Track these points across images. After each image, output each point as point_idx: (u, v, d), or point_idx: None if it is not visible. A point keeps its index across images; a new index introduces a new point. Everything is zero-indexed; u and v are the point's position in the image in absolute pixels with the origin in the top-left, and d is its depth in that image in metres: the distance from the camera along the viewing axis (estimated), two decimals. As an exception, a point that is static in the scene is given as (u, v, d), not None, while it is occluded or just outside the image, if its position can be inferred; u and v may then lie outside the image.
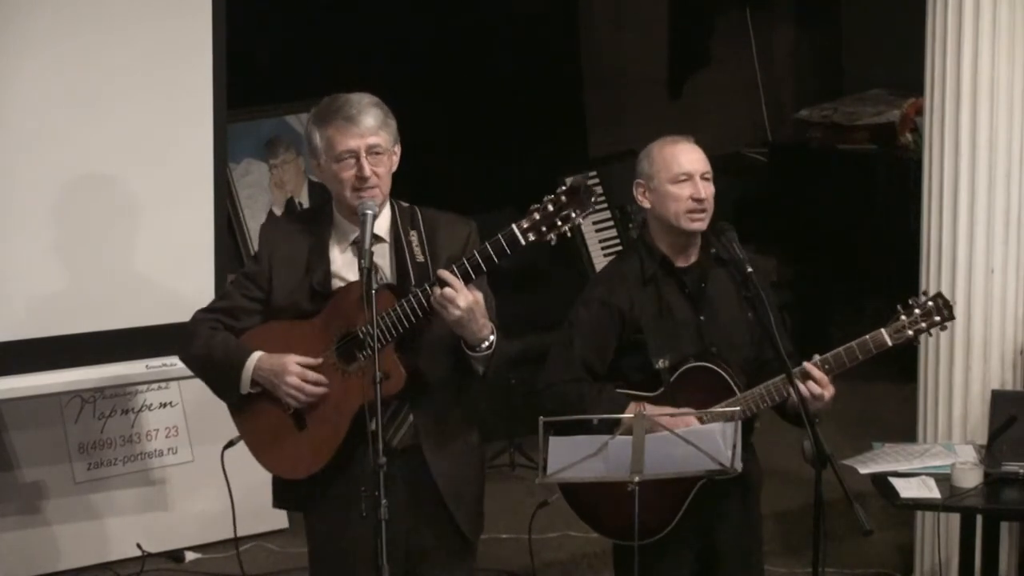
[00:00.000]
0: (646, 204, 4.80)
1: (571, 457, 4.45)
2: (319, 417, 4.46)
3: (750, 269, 4.67)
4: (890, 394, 7.48)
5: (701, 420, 4.57)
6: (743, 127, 9.19)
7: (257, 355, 4.47)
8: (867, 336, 4.69)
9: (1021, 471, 5.38)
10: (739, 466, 4.54)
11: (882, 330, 4.70)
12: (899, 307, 4.72)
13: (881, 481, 5.40)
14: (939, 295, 4.77)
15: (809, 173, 8.65)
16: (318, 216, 4.59)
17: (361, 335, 4.38)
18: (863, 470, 5.44)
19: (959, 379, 5.98)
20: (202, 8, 5.72)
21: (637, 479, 4.47)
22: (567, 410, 4.63)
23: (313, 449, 4.46)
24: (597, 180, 7.93)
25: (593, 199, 4.29)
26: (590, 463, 4.46)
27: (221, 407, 4.66)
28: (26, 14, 5.47)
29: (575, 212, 4.24)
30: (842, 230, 8.37)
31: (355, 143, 4.40)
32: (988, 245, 5.92)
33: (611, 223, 7.87)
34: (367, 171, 4.39)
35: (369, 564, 4.22)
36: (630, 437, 4.44)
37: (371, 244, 4.31)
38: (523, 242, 4.27)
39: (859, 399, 7.45)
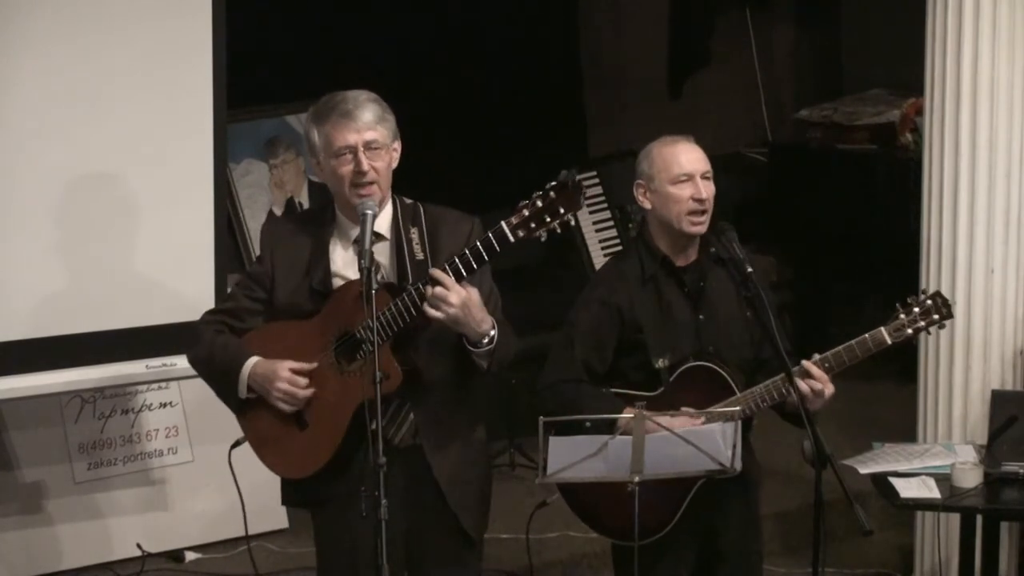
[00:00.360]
0: (647, 205, 4.80)
1: (571, 457, 4.45)
2: (319, 417, 4.46)
3: (750, 269, 4.67)
4: (890, 394, 7.47)
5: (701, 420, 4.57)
6: (743, 127, 9.19)
7: (252, 361, 4.48)
8: (866, 335, 4.69)
9: (1021, 471, 5.38)
10: (739, 466, 4.54)
11: (881, 329, 4.70)
12: (898, 306, 4.73)
13: (881, 481, 5.40)
14: (938, 294, 4.77)
15: (809, 173, 8.64)
16: (320, 215, 4.59)
17: (358, 335, 4.39)
18: (863, 470, 5.44)
19: (959, 379, 5.98)
20: (202, 8, 5.72)
21: (637, 479, 4.47)
22: (565, 410, 4.64)
23: (314, 449, 4.46)
24: (597, 180, 7.93)
25: (583, 196, 4.29)
26: (590, 463, 4.46)
27: (221, 407, 4.67)
28: (26, 14, 5.47)
29: (564, 209, 4.23)
30: (842, 230, 8.36)
31: (352, 138, 4.40)
32: (988, 245, 5.92)
33: (611, 223, 7.87)
34: (365, 166, 4.39)
35: (370, 563, 4.23)
36: (630, 437, 4.44)
37: (372, 243, 4.31)
38: (512, 239, 4.26)
39: (859, 399, 7.45)
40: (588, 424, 4.61)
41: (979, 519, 5.54)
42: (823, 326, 7.84)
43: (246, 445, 4.64)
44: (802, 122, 8.75)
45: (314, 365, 4.44)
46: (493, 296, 4.51)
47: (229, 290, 4.89)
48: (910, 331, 4.71)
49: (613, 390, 4.76)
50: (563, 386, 4.76)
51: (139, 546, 6.42)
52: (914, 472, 5.42)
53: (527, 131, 8.17)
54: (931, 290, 5.83)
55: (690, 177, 4.72)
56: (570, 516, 4.93)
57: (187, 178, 5.82)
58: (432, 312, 4.28)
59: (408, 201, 4.56)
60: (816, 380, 4.63)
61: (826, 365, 4.67)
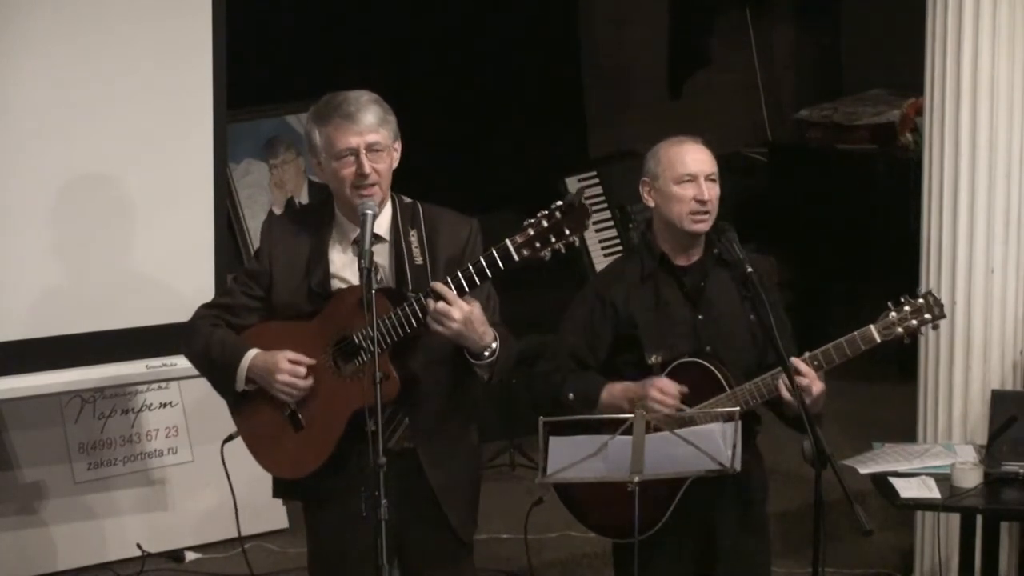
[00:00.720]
0: (651, 203, 4.81)
1: (571, 457, 4.45)
2: (315, 418, 4.46)
3: (750, 269, 4.67)
4: (890, 394, 7.47)
5: (694, 421, 4.58)
6: (743, 127, 9.19)
7: (252, 352, 4.48)
8: (856, 333, 4.68)
9: (1021, 471, 5.38)
10: (739, 466, 4.54)
11: (871, 327, 4.69)
12: (889, 304, 4.71)
13: (881, 481, 5.40)
14: (929, 293, 4.75)
15: (809, 173, 8.64)
16: (320, 214, 4.58)
17: (357, 340, 4.39)
18: (863, 470, 5.44)
19: (959, 379, 5.98)
20: (202, 8, 5.72)
21: (637, 479, 4.48)
22: (547, 395, 4.71)
23: (309, 450, 4.47)
24: (597, 180, 7.94)
25: (589, 218, 4.30)
26: (590, 463, 4.46)
27: (221, 407, 4.67)
28: (26, 14, 5.47)
29: (570, 230, 4.24)
30: (842, 230, 8.37)
31: (354, 141, 4.40)
32: (988, 245, 5.92)
33: (611, 223, 7.87)
34: (367, 168, 4.39)
35: (363, 563, 4.25)
36: (630, 437, 4.44)
37: (371, 244, 4.31)
38: (516, 258, 4.27)
39: (859, 399, 7.45)
40: (571, 397, 4.64)
41: (979, 519, 5.53)
42: (823, 326, 7.83)
43: (241, 444, 4.63)
44: (802, 122, 8.76)
45: (313, 361, 4.44)
46: (492, 300, 4.51)
47: (226, 285, 4.87)
48: (900, 329, 4.69)
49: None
50: (550, 375, 4.80)
51: (139, 546, 6.42)
52: (914, 472, 5.42)
53: (527, 131, 8.18)
54: (931, 290, 5.86)
55: (694, 178, 4.72)
56: (571, 516, 4.93)
57: (187, 178, 5.82)
58: (434, 326, 4.28)
59: (407, 200, 4.56)
60: (803, 377, 4.62)
61: (815, 362, 4.67)
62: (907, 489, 5.32)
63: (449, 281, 4.29)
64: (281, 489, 4.65)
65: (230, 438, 4.70)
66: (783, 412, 4.73)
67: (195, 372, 4.71)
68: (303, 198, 7.37)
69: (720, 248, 4.76)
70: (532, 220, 4.27)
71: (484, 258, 4.29)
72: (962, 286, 5.93)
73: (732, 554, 4.84)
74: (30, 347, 5.61)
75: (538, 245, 4.26)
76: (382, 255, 4.46)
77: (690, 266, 4.82)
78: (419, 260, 4.46)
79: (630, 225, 7.79)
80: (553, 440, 4.43)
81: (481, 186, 7.79)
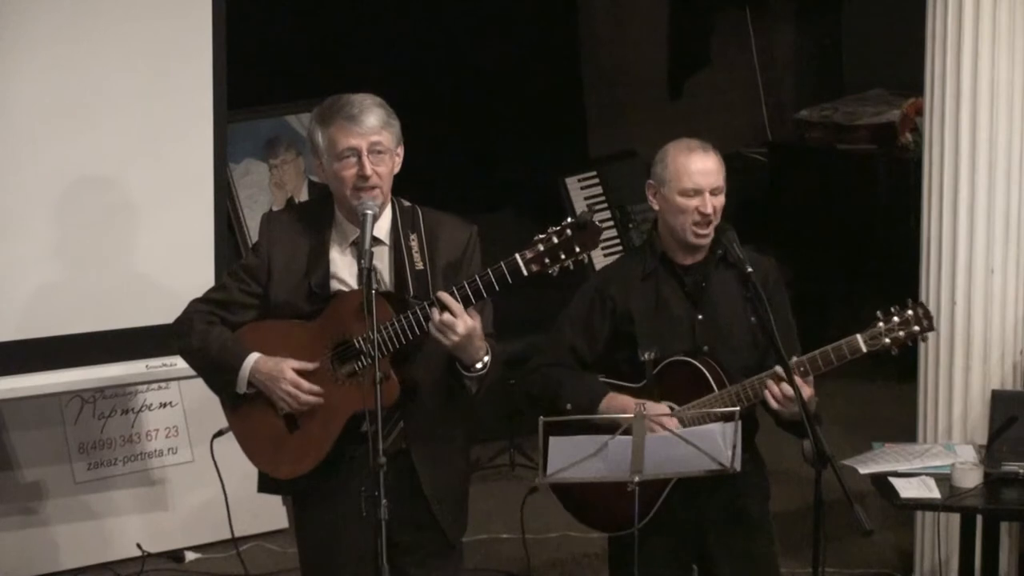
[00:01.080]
0: (655, 206, 4.82)
1: (571, 457, 4.46)
2: (311, 420, 4.46)
3: (750, 269, 4.67)
4: (890, 394, 7.47)
5: (683, 422, 4.59)
6: (743, 127, 9.19)
7: (255, 357, 4.47)
8: (842, 341, 4.67)
9: (1021, 471, 5.38)
10: (738, 466, 4.54)
11: (857, 336, 4.68)
12: (879, 313, 4.69)
13: (881, 481, 5.40)
14: (920, 304, 4.72)
15: (809, 173, 8.65)
16: (320, 213, 4.57)
17: (357, 345, 4.39)
18: (863, 470, 5.44)
19: (959, 379, 5.98)
20: (202, 8, 5.72)
21: (637, 479, 4.48)
22: (546, 393, 4.73)
23: (303, 451, 4.47)
24: (597, 180, 7.94)
25: (600, 236, 4.31)
26: (590, 463, 4.47)
27: (221, 406, 4.66)
28: (26, 14, 5.47)
29: (580, 248, 4.25)
30: (842, 230, 8.37)
31: (357, 141, 4.40)
32: (988, 245, 5.92)
33: (611, 223, 7.87)
34: (368, 169, 4.39)
35: (354, 563, 4.27)
36: (630, 437, 4.44)
37: (371, 245, 4.31)
38: (525, 273, 4.28)
39: (859, 399, 7.45)
40: (569, 408, 4.64)
41: (979, 519, 5.54)
42: (822, 326, 7.83)
43: (234, 443, 4.63)
44: (802, 122, 8.76)
45: (315, 365, 4.44)
46: (487, 307, 4.51)
47: (220, 281, 4.86)
48: (887, 340, 4.66)
49: (601, 379, 4.78)
50: (546, 369, 4.81)
51: (139, 546, 6.42)
52: (914, 472, 5.42)
53: (527, 131, 8.18)
54: (932, 290, 5.87)
55: (699, 192, 4.72)
56: (570, 516, 4.93)
57: (187, 178, 5.82)
58: (436, 335, 4.29)
59: (406, 204, 4.56)
60: (788, 383, 4.61)
61: (801, 369, 4.66)
62: (907, 489, 5.32)
63: (455, 291, 4.29)
64: (267, 484, 4.64)
65: (220, 433, 4.70)
66: (778, 416, 4.73)
67: (194, 372, 4.70)
68: (303, 198, 7.36)
69: (723, 248, 4.77)
70: (542, 235, 4.28)
71: (492, 272, 4.30)
72: (962, 286, 5.93)
73: (729, 553, 4.84)
74: (30, 347, 5.61)
75: (547, 261, 4.27)
76: (382, 259, 4.46)
77: (692, 266, 4.82)
78: (419, 265, 4.46)
79: (630, 225, 7.80)
80: (553, 440, 4.43)
81: (481, 186, 7.79)
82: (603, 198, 7.89)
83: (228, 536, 5.68)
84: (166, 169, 5.76)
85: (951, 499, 5.30)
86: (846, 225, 8.36)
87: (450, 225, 4.55)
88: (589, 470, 4.49)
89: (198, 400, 6.33)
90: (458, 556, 4.66)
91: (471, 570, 6.05)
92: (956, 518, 5.70)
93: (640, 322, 4.78)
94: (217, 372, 4.53)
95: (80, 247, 5.66)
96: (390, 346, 4.32)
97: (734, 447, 4.50)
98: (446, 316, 4.26)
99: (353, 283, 4.47)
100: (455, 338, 4.28)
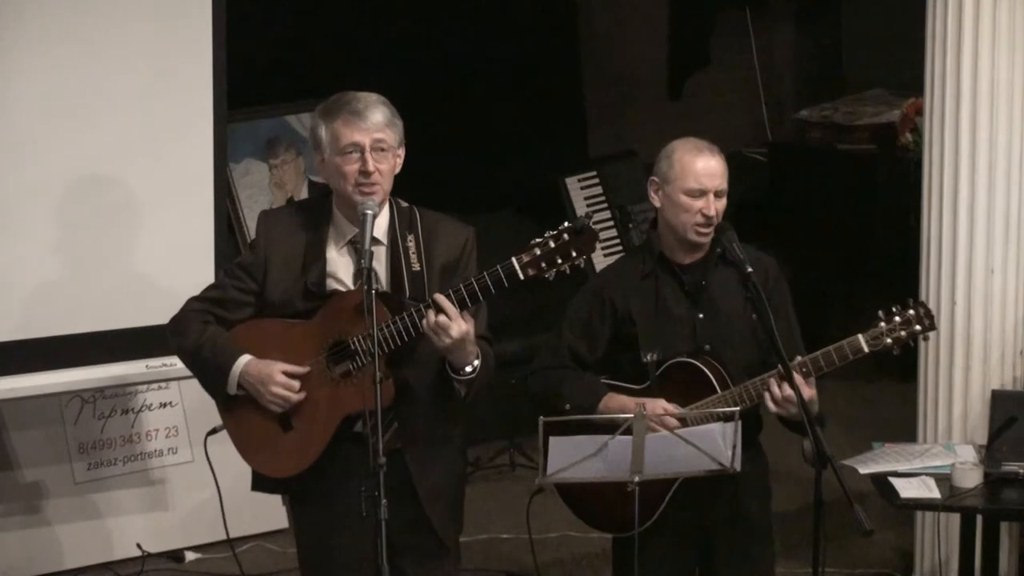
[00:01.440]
0: (657, 203, 4.81)
1: (571, 457, 4.46)
2: (305, 420, 4.46)
3: (749, 269, 4.67)
4: (890, 394, 7.47)
5: (685, 422, 4.59)
6: (743, 127, 9.19)
7: (244, 360, 4.47)
8: (844, 341, 4.68)
9: (1021, 471, 5.38)
10: (738, 466, 4.54)
11: (859, 336, 4.68)
12: (880, 313, 4.70)
13: (881, 481, 5.40)
14: (921, 303, 4.73)
15: (809, 173, 8.64)
16: (318, 211, 4.57)
17: (353, 346, 4.38)
18: (863, 470, 5.44)
19: (959, 379, 5.98)
20: (202, 8, 5.72)
21: (637, 479, 4.48)
22: (547, 393, 4.73)
23: (298, 451, 4.47)
24: (597, 180, 7.94)
25: (597, 242, 4.31)
26: (590, 463, 4.47)
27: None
28: (26, 14, 5.47)
29: (576, 252, 4.25)
30: (842, 230, 8.37)
31: (360, 137, 4.40)
32: (988, 245, 5.92)
33: (611, 223, 7.87)
34: (371, 166, 4.39)
35: (351, 563, 4.29)
36: (630, 437, 4.44)
37: (370, 244, 4.31)
38: (521, 277, 4.29)
39: (859, 399, 7.45)
40: (568, 408, 4.64)
41: (979, 519, 5.54)
42: (822, 326, 7.84)
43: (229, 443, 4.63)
44: (802, 122, 8.76)
45: (306, 369, 4.44)
46: (482, 309, 4.51)
47: (216, 279, 4.86)
48: (888, 340, 4.67)
49: (603, 380, 4.78)
50: (547, 371, 4.81)
51: (139, 546, 6.42)
52: (914, 472, 5.42)
53: (527, 131, 8.17)
54: (931, 290, 5.87)
55: (704, 193, 4.72)
56: (571, 516, 4.93)
57: (187, 178, 5.82)
58: (429, 335, 4.29)
59: (404, 204, 4.55)
60: (790, 383, 4.61)
61: (803, 369, 4.66)
62: (907, 489, 5.32)
63: (451, 294, 4.29)
64: (260, 483, 4.64)
65: (214, 431, 4.70)
66: (781, 415, 4.72)
67: (189, 371, 4.70)
68: (303, 198, 7.36)
69: (723, 247, 4.76)
70: (539, 240, 4.28)
71: (489, 275, 4.30)
72: (962, 286, 5.93)
73: (730, 554, 4.84)
74: (30, 347, 5.61)
75: (543, 265, 4.27)
76: (379, 259, 4.45)
77: (691, 265, 4.82)
78: (416, 266, 4.46)
79: (630, 225, 7.79)
80: (553, 440, 4.43)
81: (481, 186, 7.79)
82: (603, 198, 7.89)
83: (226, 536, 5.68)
84: (166, 169, 5.76)
85: (951, 499, 5.30)
86: (846, 225, 8.36)
87: (448, 226, 4.55)
88: (589, 470, 4.49)
89: (198, 400, 6.29)
90: (454, 557, 4.65)
91: (471, 570, 6.06)
92: (956, 518, 5.70)
93: (641, 323, 4.78)
94: (209, 373, 4.53)
95: (80, 247, 5.66)
96: (385, 348, 4.32)
97: (734, 447, 4.50)
98: (441, 318, 4.26)
99: (349, 282, 4.47)
100: (448, 341, 4.28)
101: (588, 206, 7.76)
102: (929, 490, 5.31)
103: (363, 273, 4.24)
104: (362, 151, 4.40)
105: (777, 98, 9.41)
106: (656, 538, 4.72)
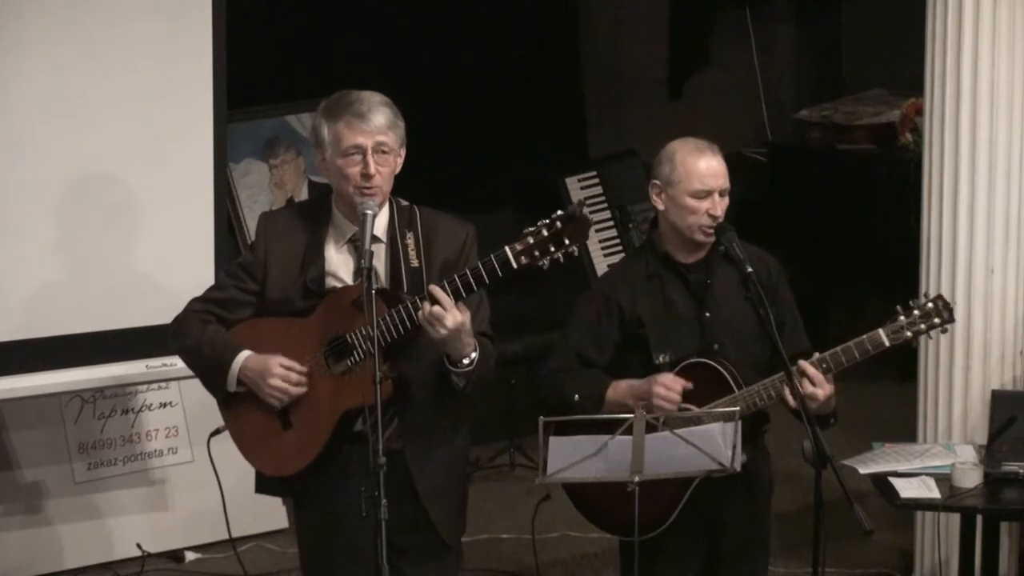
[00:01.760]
0: (660, 206, 4.80)
1: (571, 457, 4.46)
2: (305, 417, 4.46)
3: (749, 269, 4.67)
4: (890, 394, 7.47)
5: (699, 421, 4.58)
6: (743, 127, 9.19)
7: (244, 355, 4.47)
8: (864, 336, 4.69)
9: (1021, 471, 5.38)
10: (738, 466, 4.54)
11: (880, 330, 4.69)
12: (899, 308, 4.72)
13: (881, 481, 5.40)
14: (939, 297, 4.75)
15: (809, 173, 8.65)
16: (317, 211, 4.57)
17: (350, 340, 4.39)
18: (863, 470, 5.44)
19: (959, 379, 5.98)
20: (202, 8, 5.73)
21: (637, 479, 4.48)
22: (553, 395, 4.71)
23: (298, 448, 4.47)
24: (597, 180, 7.94)
25: (590, 228, 4.29)
26: (590, 463, 4.47)
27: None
28: (26, 14, 5.47)
29: (569, 240, 4.24)
30: (842, 230, 8.37)
31: (363, 140, 4.40)
32: (988, 245, 5.92)
33: (611, 223, 7.87)
34: (372, 169, 4.39)
35: (352, 563, 4.28)
36: (630, 437, 4.44)
37: (370, 244, 4.31)
38: (515, 265, 4.27)
39: (859, 399, 7.45)
40: (576, 398, 4.65)
41: (979, 519, 5.53)
42: (823, 326, 7.84)
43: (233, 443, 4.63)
44: (802, 122, 8.76)
45: (305, 368, 4.44)
46: (483, 307, 4.51)
47: (216, 279, 4.87)
48: (909, 334, 4.69)
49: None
50: (553, 374, 4.81)
51: (139, 546, 6.42)
52: (914, 472, 5.42)
53: (527, 131, 8.17)
54: (932, 290, 5.86)
55: (709, 193, 4.72)
56: (571, 516, 4.93)
57: (187, 178, 5.82)
58: (425, 326, 4.29)
59: (404, 203, 4.56)
60: (811, 380, 4.63)
61: (823, 365, 4.67)
62: (907, 489, 5.32)
63: (446, 285, 4.29)
64: (264, 485, 4.64)
65: (217, 432, 4.71)
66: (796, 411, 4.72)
67: (190, 371, 4.70)
68: (303, 198, 7.36)
69: (724, 246, 4.76)
70: (532, 228, 4.27)
71: (482, 265, 4.29)
72: (962, 286, 5.93)
73: (735, 552, 4.85)
74: (30, 347, 5.62)
75: (537, 254, 4.26)
76: (378, 256, 4.45)
77: (695, 264, 4.82)
78: (415, 263, 4.46)
79: (630, 225, 7.79)
80: (553, 440, 4.43)
81: (481, 186, 7.79)
82: (603, 198, 7.89)
83: (228, 536, 5.69)
84: (166, 169, 5.76)
85: (951, 499, 5.30)
86: (846, 225, 8.36)
87: (447, 224, 4.55)
88: (589, 470, 4.48)
89: (198, 400, 6.30)
90: (456, 557, 4.65)
91: (471, 570, 6.06)
92: (956, 518, 5.70)
93: (650, 325, 4.77)
94: (210, 371, 4.54)
95: (80, 247, 5.66)
96: (382, 341, 4.31)
97: (734, 447, 4.50)
98: (436, 308, 4.26)
99: (349, 280, 4.47)
100: (444, 331, 4.28)
101: (588, 206, 7.76)
102: (929, 490, 5.31)
103: (363, 273, 4.24)
104: (364, 153, 4.40)
105: (777, 98, 9.41)
106: (668, 537, 4.72)
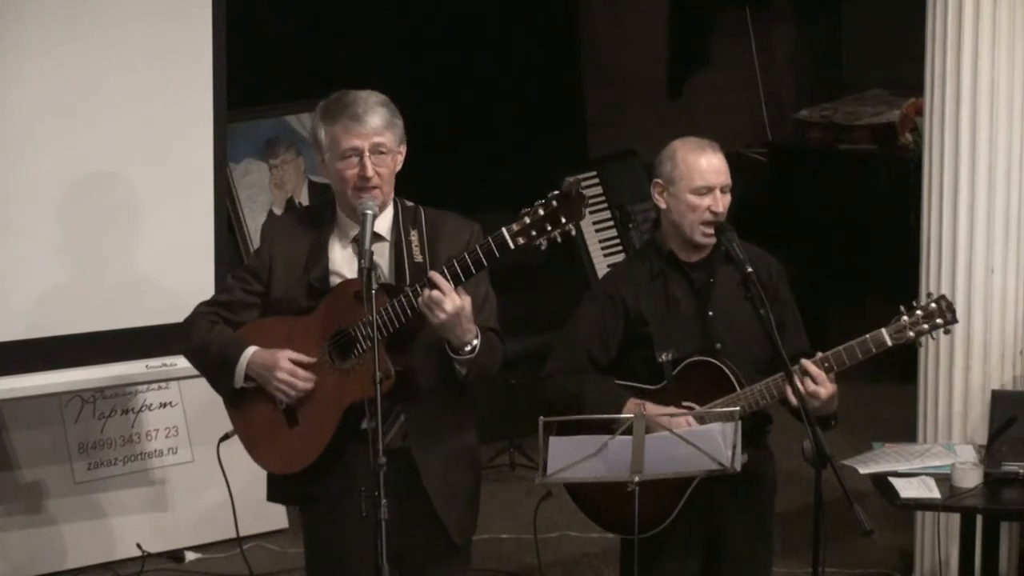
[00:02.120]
0: (662, 205, 4.81)
1: (571, 457, 4.45)
2: (310, 413, 4.46)
3: (749, 269, 4.67)
4: (890, 394, 7.47)
5: (701, 420, 4.58)
6: (743, 127, 9.19)
7: (251, 350, 4.48)
8: (867, 336, 4.69)
9: (1021, 471, 5.38)
10: (738, 466, 4.54)
11: (883, 330, 4.70)
12: (902, 307, 4.72)
13: (881, 481, 5.40)
14: (942, 297, 4.75)
15: (809, 173, 8.65)
16: (321, 213, 4.59)
17: (353, 333, 4.39)
18: (863, 470, 5.44)
19: (959, 379, 5.98)
20: (202, 8, 5.73)
21: (637, 479, 4.48)
22: (567, 400, 4.68)
23: (304, 445, 4.47)
24: (597, 180, 7.94)
25: (585, 206, 4.28)
26: (590, 463, 4.47)
27: (221, 407, 4.66)
28: (27, 15, 5.48)
29: (565, 218, 4.24)
30: (842, 230, 8.37)
31: (359, 142, 4.40)
32: (988, 245, 5.92)
33: (611, 223, 7.87)
34: (370, 171, 4.40)
35: (362, 563, 4.25)
36: (630, 437, 4.44)
37: (371, 243, 4.31)
38: (512, 246, 4.26)
39: (859, 399, 7.44)
40: (595, 422, 4.63)
41: (979, 519, 5.54)
42: (823, 326, 7.84)
43: (240, 445, 4.63)
44: (802, 122, 8.77)
45: (313, 360, 4.44)
46: (489, 302, 4.51)
47: (224, 283, 4.88)
48: (911, 333, 4.69)
49: (618, 382, 4.78)
50: (565, 376, 4.79)
51: (139, 546, 6.42)
52: (914, 472, 5.42)
53: (527, 131, 8.18)
54: (932, 290, 5.86)
55: (711, 190, 4.73)
56: (571, 516, 4.94)
57: (187, 178, 5.82)
58: (424, 311, 4.29)
59: (409, 204, 4.56)
60: (813, 379, 4.63)
61: (825, 365, 4.67)
62: (907, 489, 5.32)
63: (445, 271, 4.29)
64: (276, 493, 4.64)
65: (226, 436, 4.71)
66: (796, 411, 4.72)
67: (195, 372, 4.70)
68: (303, 198, 7.37)
69: (728, 247, 4.76)
70: (528, 209, 4.27)
71: (480, 247, 4.29)
72: (962, 286, 5.93)
73: (736, 553, 4.85)
74: (30, 347, 5.62)
75: (534, 234, 4.25)
76: (382, 254, 4.46)
77: (698, 263, 4.82)
78: (419, 258, 4.47)
79: (630, 225, 7.79)
80: (553, 440, 4.43)
81: (480, 186, 7.78)
82: (603, 198, 7.89)
83: (228, 536, 5.70)
84: (166, 169, 5.76)
85: (951, 499, 5.29)
86: (846, 225, 8.36)
87: (452, 222, 4.55)
88: (589, 470, 4.48)
89: (198, 400, 6.34)
90: (465, 557, 4.64)
91: (471, 570, 6.05)
92: (956, 518, 5.70)
93: (654, 323, 4.78)
94: (217, 369, 4.54)
95: (80, 247, 5.67)
96: (384, 331, 4.31)
97: (734, 447, 4.50)
98: (434, 293, 4.25)
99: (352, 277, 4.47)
100: (443, 316, 4.26)
101: (587, 205, 7.76)
102: (929, 490, 5.31)
103: (363, 273, 4.24)
104: (361, 155, 4.40)
105: (777, 98, 9.41)
106: (668, 536, 4.72)
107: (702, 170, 4.73)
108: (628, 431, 4.43)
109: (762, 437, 4.86)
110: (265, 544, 6.50)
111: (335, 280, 4.49)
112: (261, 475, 4.65)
